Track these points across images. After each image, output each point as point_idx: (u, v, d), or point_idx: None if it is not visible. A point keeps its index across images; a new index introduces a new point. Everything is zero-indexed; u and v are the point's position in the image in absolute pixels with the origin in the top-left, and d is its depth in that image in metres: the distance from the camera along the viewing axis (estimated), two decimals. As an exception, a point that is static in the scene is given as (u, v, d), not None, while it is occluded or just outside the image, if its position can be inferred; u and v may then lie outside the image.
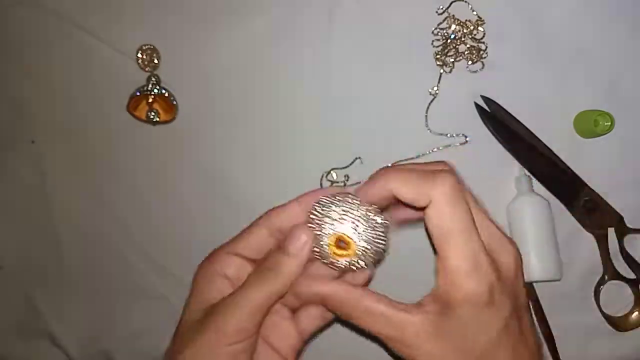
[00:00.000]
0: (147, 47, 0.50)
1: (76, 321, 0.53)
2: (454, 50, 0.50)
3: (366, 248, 0.34)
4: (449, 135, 0.50)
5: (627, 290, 0.50)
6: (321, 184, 0.51)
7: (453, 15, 0.50)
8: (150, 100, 0.50)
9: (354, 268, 0.34)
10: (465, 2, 0.49)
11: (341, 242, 0.34)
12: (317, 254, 0.35)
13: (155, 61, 0.50)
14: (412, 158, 0.50)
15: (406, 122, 0.50)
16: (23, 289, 0.53)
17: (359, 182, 0.51)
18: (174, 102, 0.51)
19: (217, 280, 0.37)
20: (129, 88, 0.50)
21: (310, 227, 0.34)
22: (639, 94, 0.50)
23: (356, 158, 0.51)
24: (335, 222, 0.34)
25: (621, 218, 0.49)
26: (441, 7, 0.49)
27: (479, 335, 0.30)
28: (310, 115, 0.51)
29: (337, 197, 0.34)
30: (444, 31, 0.50)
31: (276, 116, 0.51)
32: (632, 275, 0.49)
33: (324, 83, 0.50)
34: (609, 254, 0.49)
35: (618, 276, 0.49)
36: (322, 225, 0.34)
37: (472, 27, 0.49)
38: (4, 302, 0.54)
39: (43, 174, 0.53)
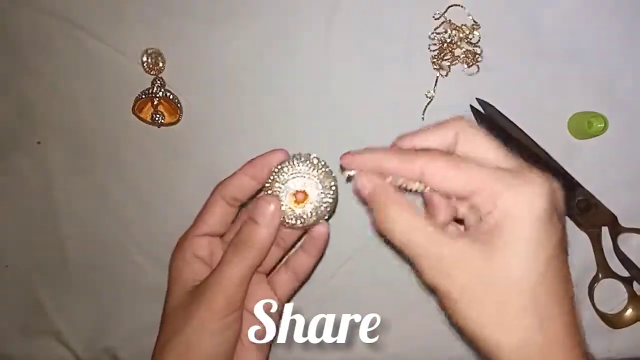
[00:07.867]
0: (152, 50, 0.51)
1: (81, 319, 0.54)
2: (450, 54, 0.51)
3: (321, 198, 0.39)
4: (446, 136, 0.51)
5: (621, 288, 0.50)
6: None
7: (450, 20, 0.51)
8: (155, 102, 0.51)
9: (312, 218, 0.38)
10: (462, 7, 0.50)
11: (299, 195, 0.38)
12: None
13: (160, 64, 0.51)
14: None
15: (403, 124, 0.50)
16: (28, 287, 0.54)
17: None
18: (179, 105, 0.52)
19: (193, 263, 0.39)
20: (134, 91, 0.51)
21: (269, 190, 0.38)
22: (632, 95, 0.51)
23: (355, 159, 0.51)
24: (292, 179, 0.38)
25: (615, 217, 0.50)
26: (438, 12, 0.51)
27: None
28: (311, 116, 0.52)
29: (293, 159, 0.39)
30: (441, 35, 0.51)
31: (278, 117, 0.52)
32: (625, 274, 0.50)
33: (324, 85, 0.51)
34: (603, 252, 0.50)
35: (612, 274, 0.50)
36: (281, 185, 0.38)
37: (468, 32, 0.51)
38: (9, 301, 0.55)
39: (48, 175, 0.54)
